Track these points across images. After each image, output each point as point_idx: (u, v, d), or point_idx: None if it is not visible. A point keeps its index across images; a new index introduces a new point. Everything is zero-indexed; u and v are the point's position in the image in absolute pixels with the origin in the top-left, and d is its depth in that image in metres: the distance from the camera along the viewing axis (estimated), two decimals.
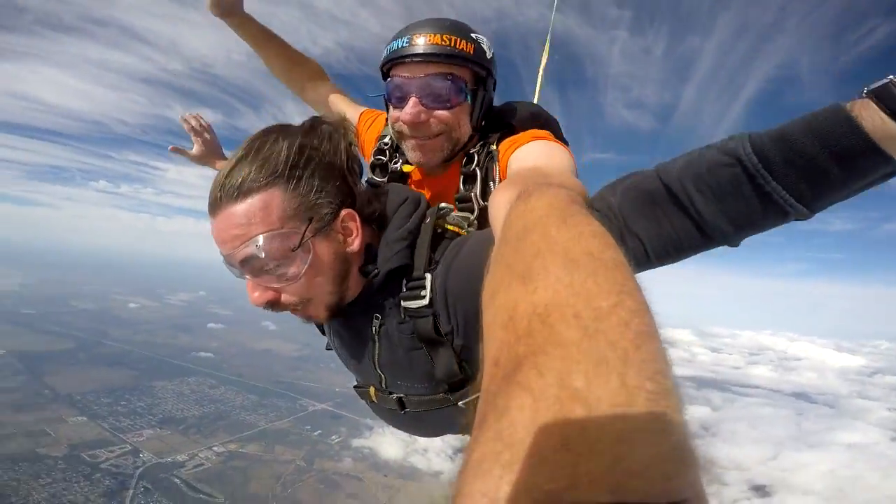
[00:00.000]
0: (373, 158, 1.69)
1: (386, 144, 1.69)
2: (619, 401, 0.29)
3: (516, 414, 0.31)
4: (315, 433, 77.76)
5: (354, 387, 1.57)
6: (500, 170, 1.45)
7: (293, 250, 1.10)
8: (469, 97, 1.49)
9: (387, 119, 1.62)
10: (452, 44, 1.42)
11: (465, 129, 1.52)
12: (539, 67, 2.70)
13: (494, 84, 1.60)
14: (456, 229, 1.33)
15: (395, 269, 1.20)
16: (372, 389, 1.46)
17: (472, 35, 1.48)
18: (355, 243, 1.19)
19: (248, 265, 1.11)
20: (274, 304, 1.16)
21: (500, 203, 0.84)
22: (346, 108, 1.93)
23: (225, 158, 2.05)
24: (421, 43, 1.42)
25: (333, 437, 76.50)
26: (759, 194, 0.87)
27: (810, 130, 0.83)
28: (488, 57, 1.50)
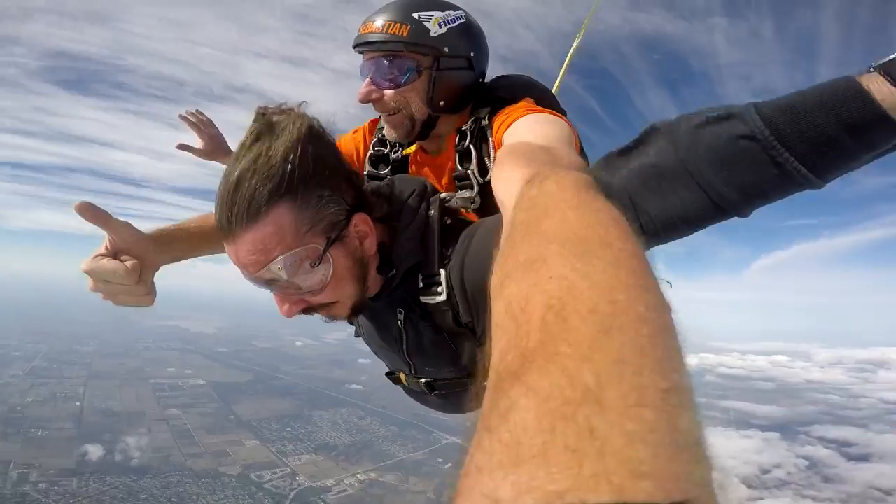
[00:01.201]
0: (372, 150, 1.72)
1: (384, 135, 1.70)
2: (631, 401, 0.28)
3: (522, 413, 0.29)
4: (446, 466, 79.65)
5: (386, 374, 1.62)
6: (494, 143, 1.43)
7: (314, 266, 1.09)
8: (419, 76, 1.49)
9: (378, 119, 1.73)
10: (385, 29, 1.45)
11: (419, 107, 1.53)
12: (566, 57, 2.66)
13: (470, 62, 1.56)
14: (463, 213, 1.34)
15: (410, 267, 1.23)
16: (402, 375, 1.52)
17: (415, 15, 1.46)
18: (371, 246, 1.19)
19: (273, 285, 1.12)
20: (306, 312, 1.19)
21: (507, 180, 0.79)
22: None
23: (231, 153, 1.89)
24: (361, 32, 1.50)
25: None
26: (773, 165, 0.89)
27: (822, 104, 0.85)
28: (432, 35, 1.47)
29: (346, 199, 1.13)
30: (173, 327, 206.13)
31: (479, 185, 1.45)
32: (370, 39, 1.48)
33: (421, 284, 1.23)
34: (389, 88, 1.51)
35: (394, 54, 1.49)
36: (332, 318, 1.25)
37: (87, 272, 1.15)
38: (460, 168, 1.51)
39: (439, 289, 1.19)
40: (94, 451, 72.05)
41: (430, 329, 1.28)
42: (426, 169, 1.70)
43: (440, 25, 1.49)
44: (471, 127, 1.52)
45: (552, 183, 0.58)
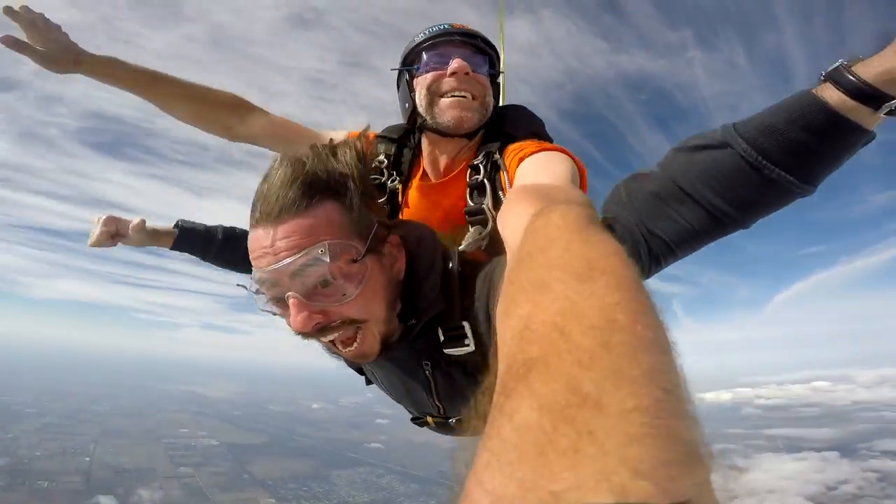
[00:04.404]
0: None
1: (381, 163, 1.62)
2: (628, 406, 0.28)
3: (526, 415, 0.30)
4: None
5: (412, 419, 1.52)
6: (508, 177, 1.40)
7: (354, 261, 1.01)
8: (490, 77, 1.57)
9: (374, 138, 1.67)
10: (483, 38, 1.58)
11: (491, 102, 1.55)
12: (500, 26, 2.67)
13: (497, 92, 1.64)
14: (476, 255, 1.30)
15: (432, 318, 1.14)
16: (429, 418, 1.42)
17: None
18: (400, 273, 1.13)
19: (302, 277, 0.99)
20: (324, 330, 1.03)
21: (514, 216, 0.81)
22: (312, 136, 1.68)
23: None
24: (463, 29, 1.56)
25: None
26: (766, 181, 1.01)
27: (792, 120, 0.98)
28: (497, 52, 1.63)
29: (379, 216, 1.10)
30: (189, 392, 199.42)
31: (492, 220, 1.37)
32: (476, 35, 1.56)
33: (443, 337, 1.14)
34: (481, 73, 1.54)
35: (478, 51, 1.56)
36: (361, 353, 1.10)
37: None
38: (471, 203, 1.44)
39: (466, 341, 1.12)
40: (107, 503, 65.22)
41: (461, 375, 1.19)
42: (426, 200, 1.62)
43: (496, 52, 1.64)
44: (483, 161, 1.48)
45: (557, 216, 0.59)
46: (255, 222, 1.01)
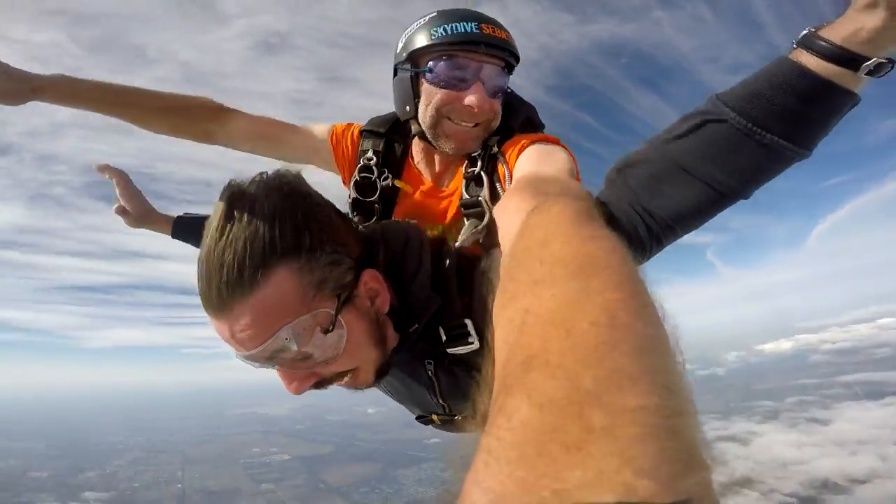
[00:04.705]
0: (357, 177, 1.50)
1: (370, 160, 1.50)
2: (630, 405, 0.28)
3: (527, 412, 0.30)
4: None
5: (417, 418, 1.50)
6: (508, 171, 1.33)
7: (326, 332, 0.93)
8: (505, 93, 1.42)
9: (360, 133, 1.56)
10: (511, 42, 1.37)
11: (497, 123, 1.42)
12: None
13: None
14: (474, 250, 1.26)
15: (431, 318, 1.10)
16: (435, 417, 1.40)
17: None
18: (385, 304, 1.05)
19: (278, 359, 0.94)
20: (318, 386, 1.03)
21: (511, 211, 0.80)
22: (296, 132, 1.60)
23: (157, 217, 1.79)
24: (492, 33, 1.34)
25: None
26: (761, 147, 0.99)
27: (775, 85, 0.97)
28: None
29: (350, 255, 1.00)
30: (251, 413, 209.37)
31: (489, 212, 1.30)
32: (504, 45, 1.35)
33: (444, 336, 1.11)
34: (496, 99, 1.38)
35: (504, 65, 1.39)
36: (355, 386, 1.11)
37: None
38: (468, 194, 1.38)
39: (470, 339, 1.08)
40: None
41: (465, 372, 1.16)
42: (421, 196, 1.54)
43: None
44: (480, 153, 1.40)
45: (556, 210, 0.59)
46: (205, 310, 0.92)
